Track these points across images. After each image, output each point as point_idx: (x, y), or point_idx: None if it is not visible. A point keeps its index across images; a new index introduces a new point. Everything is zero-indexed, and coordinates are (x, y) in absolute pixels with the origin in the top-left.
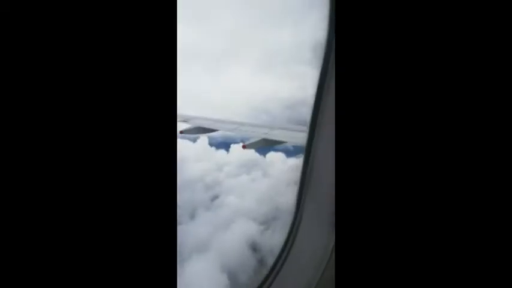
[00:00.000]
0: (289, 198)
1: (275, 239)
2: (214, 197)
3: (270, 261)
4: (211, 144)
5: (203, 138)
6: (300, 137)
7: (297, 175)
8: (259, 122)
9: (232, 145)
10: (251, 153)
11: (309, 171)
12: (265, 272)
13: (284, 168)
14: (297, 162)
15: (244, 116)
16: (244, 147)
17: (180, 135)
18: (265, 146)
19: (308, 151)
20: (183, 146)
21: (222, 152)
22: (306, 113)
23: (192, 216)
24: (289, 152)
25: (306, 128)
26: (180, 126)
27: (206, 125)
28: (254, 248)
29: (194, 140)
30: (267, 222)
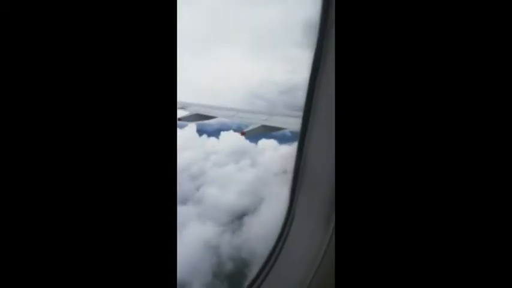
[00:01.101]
0: (274, 188)
1: (236, 241)
2: (195, 190)
3: (229, 266)
4: (200, 131)
5: (191, 125)
6: (298, 123)
7: (286, 163)
8: (255, 108)
9: (222, 132)
10: (241, 140)
11: (303, 161)
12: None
13: (275, 156)
14: (290, 149)
15: (238, 102)
16: (243, 134)
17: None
18: (264, 132)
19: (302, 140)
20: None
21: (212, 139)
22: (303, 97)
23: None
24: (287, 138)
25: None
26: (178, 113)
27: (204, 111)
28: (212, 253)
29: (182, 127)
30: (235, 221)
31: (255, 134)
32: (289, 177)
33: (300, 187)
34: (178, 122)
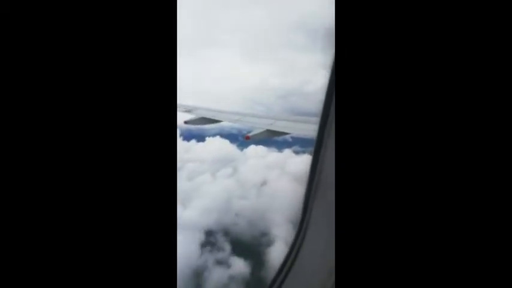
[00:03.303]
0: (245, 204)
1: None
2: None
3: None
4: (188, 136)
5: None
6: (304, 128)
7: (269, 173)
8: (255, 113)
9: (207, 138)
10: (228, 147)
11: (317, 175)
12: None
13: (259, 165)
14: (279, 157)
15: (237, 107)
16: (247, 138)
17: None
18: (268, 137)
19: (318, 148)
20: None
21: (201, 145)
22: (298, 102)
23: None
24: (286, 144)
25: (310, 119)
26: (184, 116)
27: (209, 115)
28: None
29: None
30: None
31: (259, 139)
32: (266, 189)
33: (315, 194)
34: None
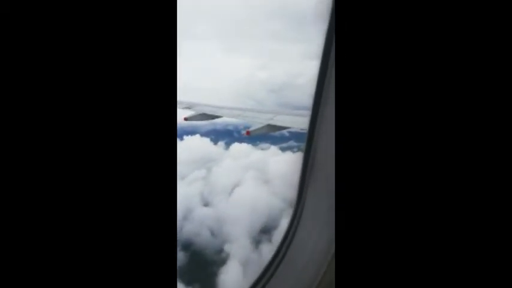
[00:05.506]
0: (208, 212)
1: None
2: None
3: None
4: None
5: None
6: (304, 122)
7: (244, 175)
8: (247, 108)
9: (185, 137)
10: (209, 146)
11: (310, 163)
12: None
13: (237, 166)
14: (263, 154)
15: (229, 103)
16: (248, 133)
17: None
18: (269, 132)
19: (310, 141)
20: None
21: (180, 144)
22: (291, 95)
23: None
24: (283, 139)
25: (307, 113)
26: (184, 113)
27: (210, 111)
28: None
29: None
30: None
31: (260, 134)
32: (236, 194)
33: (307, 189)
34: None
